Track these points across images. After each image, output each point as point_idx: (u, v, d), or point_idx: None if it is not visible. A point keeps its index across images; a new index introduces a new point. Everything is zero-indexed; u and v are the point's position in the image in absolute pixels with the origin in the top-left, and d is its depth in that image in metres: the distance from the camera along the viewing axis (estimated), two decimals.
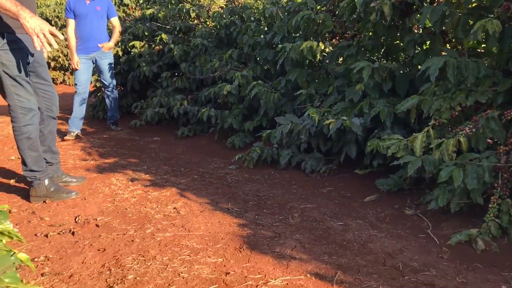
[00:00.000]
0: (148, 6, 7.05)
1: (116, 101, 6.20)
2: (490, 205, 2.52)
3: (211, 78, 5.24)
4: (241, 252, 2.39)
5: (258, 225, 2.75)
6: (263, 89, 4.19)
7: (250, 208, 3.05)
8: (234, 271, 2.19)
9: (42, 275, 2.23)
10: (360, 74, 3.23)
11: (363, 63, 3.20)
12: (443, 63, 2.75)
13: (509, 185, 2.52)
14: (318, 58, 4.07)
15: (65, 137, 5.59)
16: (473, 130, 2.60)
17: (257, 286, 2.03)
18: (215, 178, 3.79)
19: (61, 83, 10.52)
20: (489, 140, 2.92)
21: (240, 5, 5.77)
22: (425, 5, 3.25)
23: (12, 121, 3.15)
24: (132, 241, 2.57)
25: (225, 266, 2.23)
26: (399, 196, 3.14)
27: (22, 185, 3.72)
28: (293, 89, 4.29)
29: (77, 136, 5.69)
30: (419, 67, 3.51)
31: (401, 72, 3.38)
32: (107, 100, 6.17)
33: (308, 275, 2.12)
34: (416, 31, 3.45)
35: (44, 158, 3.39)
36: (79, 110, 5.79)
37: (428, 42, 3.37)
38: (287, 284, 2.04)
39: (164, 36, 5.89)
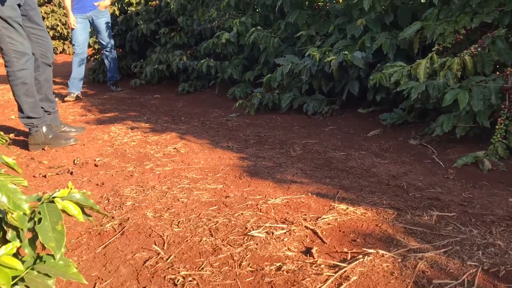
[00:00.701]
0: None
1: (115, 61, 6.11)
2: (497, 126, 2.45)
3: (209, 30, 5.12)
4: (241, 179, 2.34)
5: (258, 157, 2.69)
6: (262, 33, 4.08)
7: (250, 145, 2.99)
8: (234, 194, 2.14)
9: None
10: (361, 5, 3.11)
11: None
12: None
13: None
14: None
15: (65, 98, 5.54)
16: (479, 49, 2.50)
17: (257, 205, 1.99)
18: (215, 124, 3.73)
19: (60, 52, 10.42)
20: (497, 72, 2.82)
21: None
22: None
23: (6, 66, 3.08)
24: (131, 175, 2.52)
25: (225, 191, 2.19)
26: (404, 129, 3.06)
27: (21, 138, 3.68)
28: (293, 33, 4.17)
29: (77, 97, 5.62)
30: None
31: (403, 3, 3.26)
32: (106, 61, 6.09)
33: (309, 194, 2.07)
34: None
35: (42, 107, 3.34)
36: (78, 71, 5.71)
37: None
38: (288, 201, 1.99)
39: None
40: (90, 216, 1.32)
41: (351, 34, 3.40)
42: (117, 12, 6.34)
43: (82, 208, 1.25)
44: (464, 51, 2.52)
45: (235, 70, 4.58)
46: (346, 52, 3.16)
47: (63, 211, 1.20)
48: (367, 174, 2.34)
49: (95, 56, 6.97)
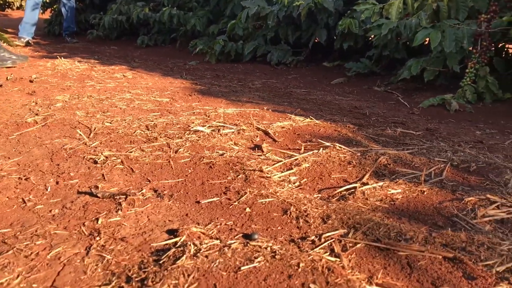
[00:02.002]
0: None
1: (72, 11, 5.73)
2: (467, 70, 2.32)
3: None
4: (191, 96, 2.11)
5: (213, 85, 2.47)
6: None
7: (207, 78, 2.76)
8: (180, 105, 1.91)
9: None
10: None
11: None
12: None
13: (488, 54, 2.32)
14: None
15: (15, 43, 5.11)
16: None
17: (205, 113, 1.76)
18: (172, 66, 3.47)
19: (18, 8, 9.81)
20: None
21: None
22: None
23: None
24: (68, 88, 2.25)
25: (171, 104, 1.95)
26: (369, 79, 2.91)
27: None
28: None
29: (27, 44, 5.21)
30: None
31: None
32: (63, 9, 5.69)
33: (265, 109, 1.86)
34: None
35: None
36: (31, 15, 5.30)
37: None
38: (240, 112, 1.78)
39: None
40: None
41: None
42: None
43: None
44: None
45: (199, 21, 4.32)
46: None
47: None
48: (328, 104, 2.16)
49: (52, 7, 6.53)
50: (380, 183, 1.08)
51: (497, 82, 2.26)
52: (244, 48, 3.58)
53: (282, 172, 1.15)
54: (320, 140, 1.38)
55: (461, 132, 1.78)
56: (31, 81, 2.46)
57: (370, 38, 3.03)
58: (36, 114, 1.72)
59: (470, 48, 2.38)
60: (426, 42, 2.79)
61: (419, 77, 2.50)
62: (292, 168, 1.18)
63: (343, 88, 2.71)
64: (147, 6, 5.10)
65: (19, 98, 2.04)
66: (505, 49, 2.73)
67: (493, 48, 2.37)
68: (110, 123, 1.61)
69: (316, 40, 3.34)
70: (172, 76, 2.72)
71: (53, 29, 6.50)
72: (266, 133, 1.49)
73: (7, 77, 2.58)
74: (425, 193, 1.04)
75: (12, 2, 9.48)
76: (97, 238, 0.87)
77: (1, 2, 9.57)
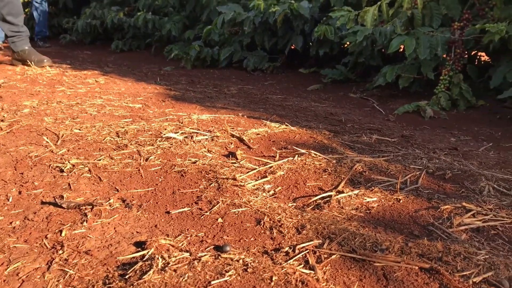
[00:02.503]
0: None
1: (45, 14, 5.61)
2: (441, 77, 2.34)
3: None
4: (164, 102, 2.06)
5: (188, 91, 2.42)
6: None
7: (181, 84, 2.71)
8: (153, 111, 1.86)
9: None
10: None
11: None
12: None
13: (462, 61, 2.34)
14: None
15: None
16: None
17: (179, 119, 1.72)
18: (146, 71, 3.41)
19: None
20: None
21: None
22: None
23: None
24: (37, 94, 2.17)
25: (144, 110, 1.90)
26: (344, 86, 2.91)
27: None
28: None
29: None
30: None
31: None
32: (35, 13, 5.56)
33: (240, 115, 1.83)
34: None
35: None
36: None
37: None
38: (215, 118, 1.74)
39: None
40: None
41: None
42: None
43: None
44: None
45: (175, 26, 4.27)
46: (292, 1, 2.97)
47: None
48: (304, 110, 2.14)
49: (24, 10, 6.36)
50: (356, 191, 1.06)
51: (471, 89, 2.29)
52: (220, 53, 3.55)
53: (256, 180, 1.12)
54: (295, 147, 1.36)
55: (436, 139, 1.79)
56: None
57: (346, 45, 3.04)
58: (1, 120, 1.65)
59: (444, 56, 2.40)
60: (401, 49, 2.81)
61: (394, 84, 2.52)
62: (266, 176, 1.15)
63: (319, 95, 2.70)
64: (121, 10, 5.04)
65: None
66: (478, 57, 2.77)
67: (467, 56, 2.39)
68: (79, 129, 1.55)
69: (292, 47, 3.34)
70: (146, 82, 2.67)
71: None
72: (241, 140, 1.46)
73: None
74: (401, 201, 1.03)
75: None
76: (60, 252, 0.82)
77: None
